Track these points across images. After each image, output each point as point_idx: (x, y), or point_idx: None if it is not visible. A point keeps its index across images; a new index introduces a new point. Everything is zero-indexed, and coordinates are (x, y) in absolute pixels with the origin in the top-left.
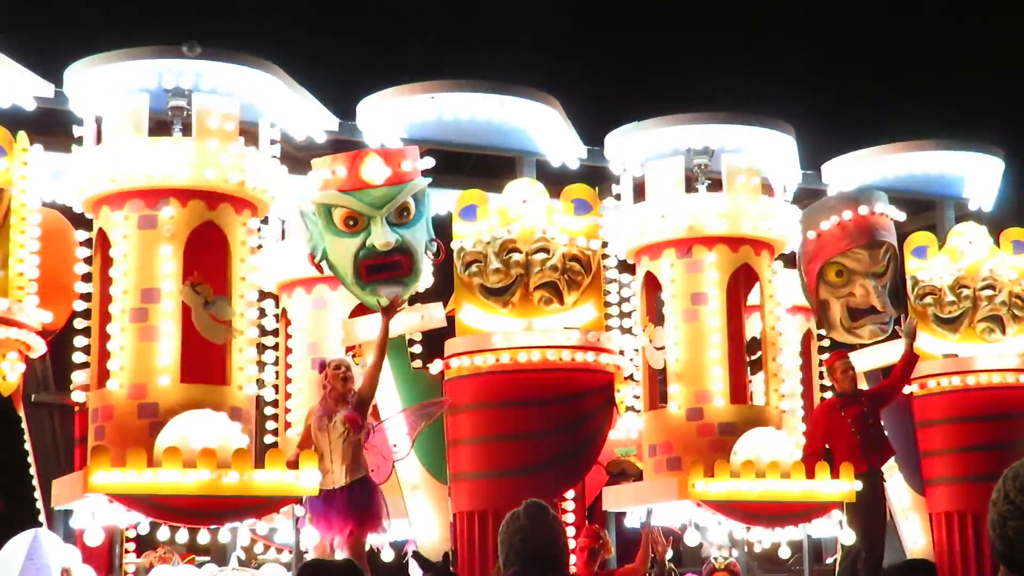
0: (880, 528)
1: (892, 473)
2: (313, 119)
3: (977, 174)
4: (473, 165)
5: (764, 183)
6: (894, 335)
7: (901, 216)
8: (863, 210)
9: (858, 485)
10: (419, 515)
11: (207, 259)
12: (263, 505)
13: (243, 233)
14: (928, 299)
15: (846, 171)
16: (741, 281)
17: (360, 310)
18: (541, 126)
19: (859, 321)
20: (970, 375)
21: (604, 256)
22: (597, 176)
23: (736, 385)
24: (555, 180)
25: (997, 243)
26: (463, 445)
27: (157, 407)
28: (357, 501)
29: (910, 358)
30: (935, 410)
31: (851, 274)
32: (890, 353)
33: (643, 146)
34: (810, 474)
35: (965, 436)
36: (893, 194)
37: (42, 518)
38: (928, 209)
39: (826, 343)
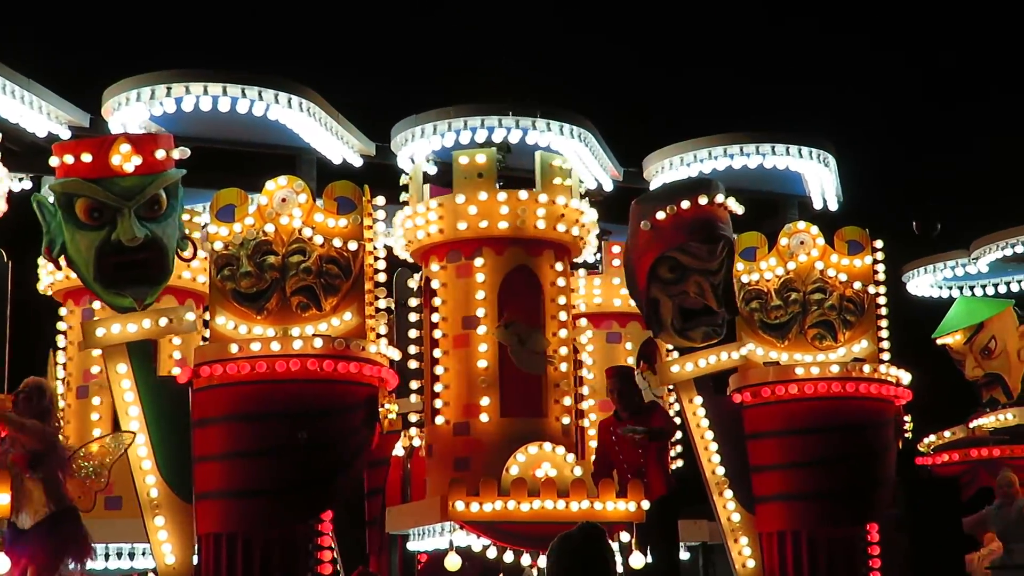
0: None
1: (722, 490)
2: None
3: (812, 171)
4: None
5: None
6: (728, 338)
7: (739, 209)
8: (703, 200)
9: (646, 505)
10: (161, 537)
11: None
12: None
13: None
14: (755, 303)
15: (669, 167)
16: (522, 285)
17: None
18: (315, 124)
19: (692, 322)
20: (796, 384)
21: (377, 258)
22: (391, 174)
23: (511, 398)
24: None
25: (831, 244)
26: (211, 462)
27: None
28: (48, 534)
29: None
30: (764, 422)
31: (685, 271)
32: (723, 359)
33: (431, 141)
34: (594, 493)
35: (793, 450)
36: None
37: None
38: (772, 210)
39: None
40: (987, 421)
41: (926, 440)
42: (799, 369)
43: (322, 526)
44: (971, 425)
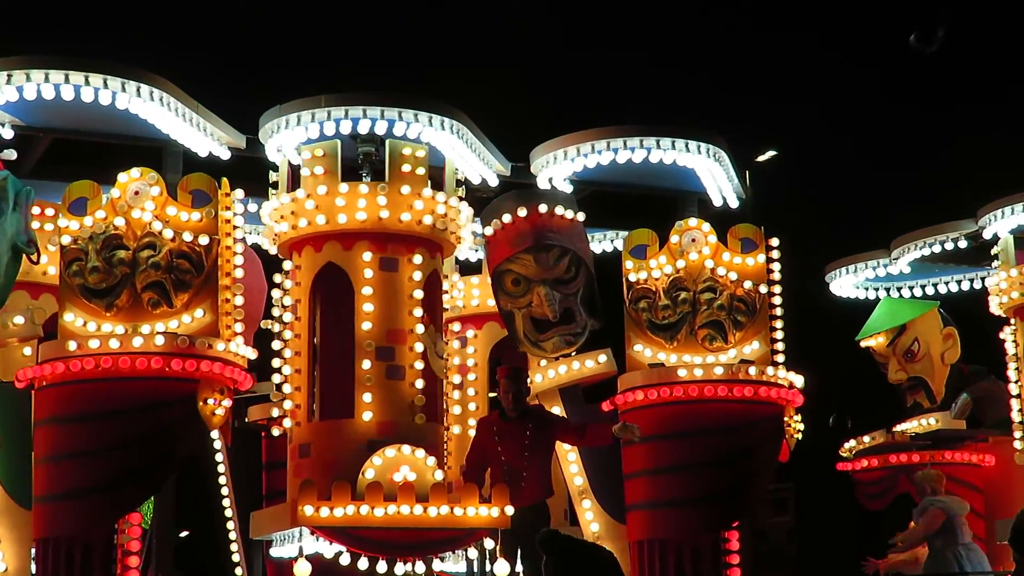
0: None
1: (582, 500)
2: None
3: (704, 167)
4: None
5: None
6: (593, 346)
7: (578, 216)
8: (522, 212)
9: (510, 511)
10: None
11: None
12: None
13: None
14: (642, 303)
15: (554, 161)
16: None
17: None
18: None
19: (546, 333)
20: (668, 388)
21: (235, 253)
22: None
23: (333, 399)
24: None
25: (725, 242)
26: (47, 464)
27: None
28: None
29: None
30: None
31: (527, 281)
32: (576, 368)
33: (300, 132)
34: (458, 499)
35: (661, 455)
36: (621, 189)
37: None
38: (673, 208)
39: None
40: (910, 426)
41: (847, 445)
42: (682, 371)
43: (131, 530)
44: (895, 430)
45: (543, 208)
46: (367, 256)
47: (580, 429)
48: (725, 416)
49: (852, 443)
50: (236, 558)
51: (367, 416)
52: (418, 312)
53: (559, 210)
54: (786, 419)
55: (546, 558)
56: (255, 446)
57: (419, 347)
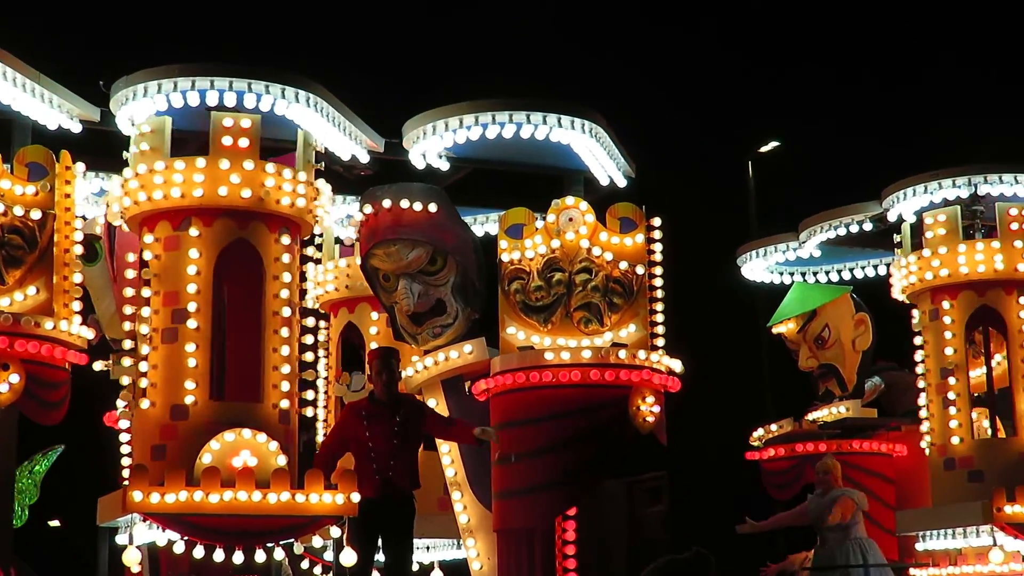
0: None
1: (454, 491)
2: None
3: (582, 144)
4: None
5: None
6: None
7: (431, 207)
8: (368, 209)
9: (356, 498)
10: None
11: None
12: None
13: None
14: (516, 284)
15: (423, 136)
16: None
17: None
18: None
19: (422, 326)
20: (546, 371)
21: (75, 229)
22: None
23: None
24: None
25: (604, 221)
26: None
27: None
28: None
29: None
30: (508, 411)
31: (395, 276)
32: (440, 360)
33: (143, 104)
34: (307, 483)
35: (528, 441)
36: (505, 167)
37: None
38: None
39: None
40: (821, 414)
41: (756, 434)
42: (549, 355)
43: None
44: (809, 419)
45: (387, 203)
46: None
47: (450, 423)
48: (577, 401)
49: (760, 432)
50: None
51: (189, 400)
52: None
53: (405, 203)
54: (639, 402)
55: None
56: None
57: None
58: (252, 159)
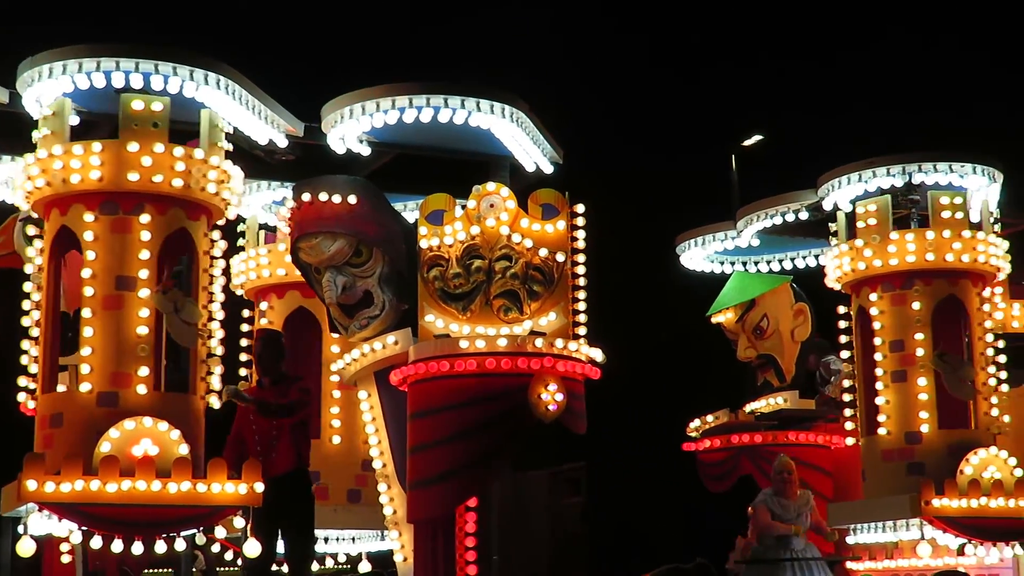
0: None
1: (386, 482)
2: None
3: (503, 129)
4: None
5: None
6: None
7: (350, 198)
8: (289, 203)
9: (260, 487)
10: None
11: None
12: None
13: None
14: (434, 271)
15: (340, 120)
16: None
17: None
18: None
19: (353, 318)
20: (459, 360)
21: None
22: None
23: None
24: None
25: (526, 207)
26: None
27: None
28: None
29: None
30: (422, 400)
31: (323, 269)
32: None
33: (48, 85)
34: (209, 473)
35: (443, 429)
36: (428, 152)
37: None
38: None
39: None
40: (759, 405)
41: (692, 424)
42: (464, 343)
43: None
44: (747, 410)
45: (306, 197)
46: (89, 217)
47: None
48: (481, 389)
49: (697, 423)
50: None
51: (85, 387)
52: (144, 274)
53: (324, 196)
54: (541, 390)
55: None
56: None
57: (145, 312)
58: (161, 141)
